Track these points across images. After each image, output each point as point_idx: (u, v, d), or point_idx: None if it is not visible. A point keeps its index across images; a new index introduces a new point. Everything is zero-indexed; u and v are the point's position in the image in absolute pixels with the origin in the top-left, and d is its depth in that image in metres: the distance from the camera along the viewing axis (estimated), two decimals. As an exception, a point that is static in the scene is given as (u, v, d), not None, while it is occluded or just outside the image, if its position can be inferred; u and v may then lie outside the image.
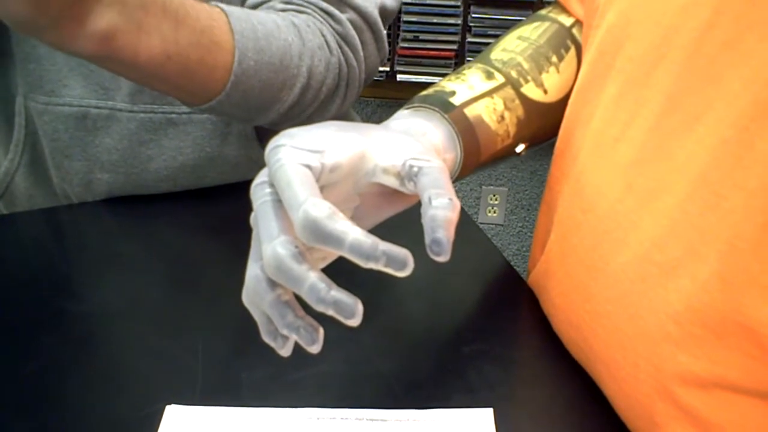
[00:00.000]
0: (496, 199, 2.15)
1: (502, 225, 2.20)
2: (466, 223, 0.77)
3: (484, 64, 0.62)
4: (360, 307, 0.39)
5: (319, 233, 0.38)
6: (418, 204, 0.43)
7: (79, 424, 0.51)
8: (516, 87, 0.60)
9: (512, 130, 0.59)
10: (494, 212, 2.17)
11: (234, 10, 0.64)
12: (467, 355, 0.57)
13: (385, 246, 0.38)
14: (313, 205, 0.38)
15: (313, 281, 0.39)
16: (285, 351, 0.43)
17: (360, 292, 0.65)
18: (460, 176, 0.58)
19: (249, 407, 0.51)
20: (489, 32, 1.87)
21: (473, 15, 1.88)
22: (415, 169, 0.44)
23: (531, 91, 0.61)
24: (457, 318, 0.63)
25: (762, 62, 0.43)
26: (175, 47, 0.58)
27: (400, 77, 1.89)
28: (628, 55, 0.52)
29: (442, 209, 0.41)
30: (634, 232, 0.49)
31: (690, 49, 0.47)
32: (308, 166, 0.41)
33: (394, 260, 0.38)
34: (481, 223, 2.15)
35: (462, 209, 0.79)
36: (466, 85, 0.59)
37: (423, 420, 0.51)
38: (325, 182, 0.42)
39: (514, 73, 0.61)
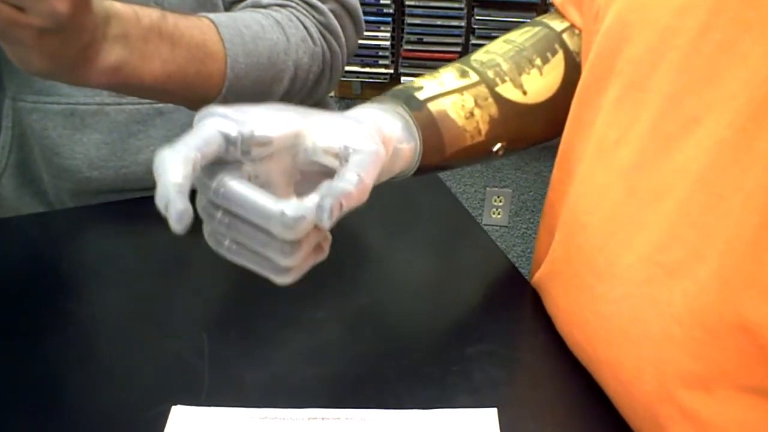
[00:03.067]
0: (500, 201, 2.15)
1: (506, 227, 2.19)
2: (470, 225, 0.78)
3: (462, 64, 0.63)
4: (301, 216, 0.41)
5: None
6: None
7: (85, 425, 0.51)
8: (491, 86, 0.61)
9: (484, 127, 0.60)
10: (498, 214, 2.17)
11: (221, 19, 0.68)
12: (471, 355, 0.57)
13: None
14: (172, 149, 0.41)
15: (256, 200, 0.42)
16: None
17: (364, 294, 0.66)
18: (425, 167, 0.58)
19: (254, 408, 0.51)
20: (493, 34, 1.87)
21: (477, 17, 1.88)
22: (351, 150, 0.45)
23: (508, 91, 0.61)
24: (462, 319, 0.64)
25: (759, 63, 0.43)
26: (174, 66, 0.63)
27: (404, 79, 1.89)
28: (626, 57, 0.52)
29: (343, 182, 0.42)
30: (638, 233, 0.49)
31: (687, 50, 0.47)
32: (226, 135, 0.43)
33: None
34: (485, 225, 2.15)
35: (466, 211, 0.80)
36: (436, 82, 0.60)
37: (427, 420, 0.51)
38: (257, 155, 0.44)
39: (490, 73, 0.61)
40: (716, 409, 0.45)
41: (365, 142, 0.46)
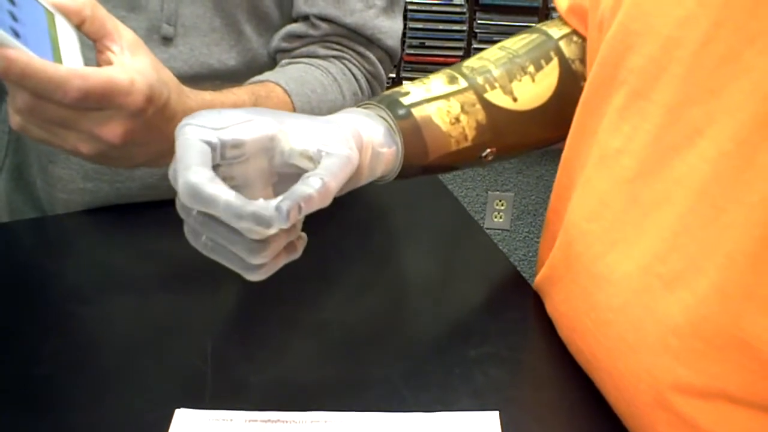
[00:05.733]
0: (502, 205, 2.15)
1: (508, 230, 2.19)
2: (472, 228, 0.78)
3: (452, 71, 0.63)
4: (276, 214, 0.41)
5: (196, 195, 0.41)
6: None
7: (89, 427, 0.51)
8: (479, 92, 0.61)
9: (470, 133, 0.60)
10: (500, 217, 2.17)
11: (292, 87, 0.72)
12: (474, 358, 0.58)
13: (253, 207, 0.41)
14: (194, 172, 0.42)
15: (227, 199, 0.41)
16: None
17: (367, 297, 0.66)
18: (409, 170, 0.59)
19: (257, 411, 0.52)
20: (494, 38, 1.88)
21: (479, 21, 1.88)
22: (323, 153, 0.46)
23: (497, 97, 0.61)
24: (464, 322, 0.64)
25: (762, 75, 0.43)
26: None
27: (405, 84, 1.90)
28: (629, 67, 0.52)
29: (305, 185, 0.43)
30: (638, 243, 0.49)
31: (690, 62, 0.47)
32: (207, 142, 0.44)
33: (260, 219, 0.41)
34: (487, 229, 2.15)
35: (468, 214, 0.80)
36: (423, 88, 0.61)
37: (430, 423, 0.51)
38: (232, 156, 0.45)
39: (480, 80, 0.62)
40: (714, 417, 0.45)
41: (338, 146, 0.47)
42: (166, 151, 0.59)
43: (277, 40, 0.80)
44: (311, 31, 0.78)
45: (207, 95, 0.62)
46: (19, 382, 0.54)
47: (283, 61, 0.80)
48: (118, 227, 0.76)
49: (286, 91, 0.72)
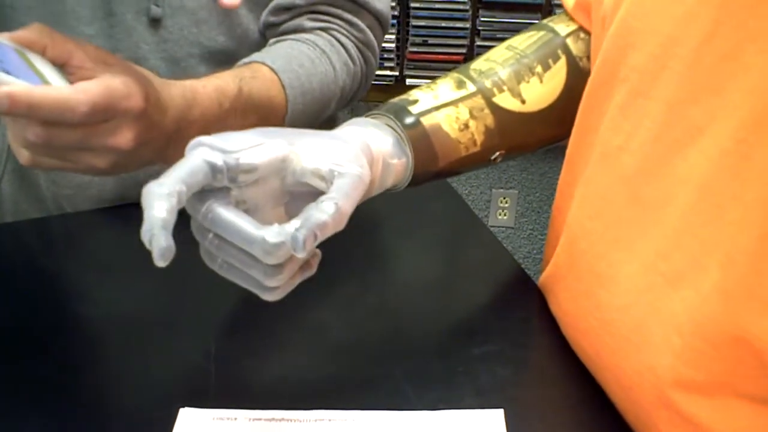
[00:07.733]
0: (506, 202, 2.15)
1: (512, 228, 2.19)
2: (476, 226, 0.78)
3: (459, 74, 0.63)
4: (294, 243, 0.42)
5: (144, 201, 0.43)
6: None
7: (94, 427, 0.51)
8: (487, 97, 0.61)
9: (479, 138, 0.60)
10: (504, 215, 2.17)
11: (278, 64, 0.72)
12: (478, 356, 0.58)
13: (159, 233, 0.42)
14: (158, 183, 0.42)
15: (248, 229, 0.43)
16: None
17: (371, 295, 0.66)
18: (420, 178, 0.59)
19: (261, 409, 0.52)
20: (498, 36, 1.87)
21: (482, 19, 1.88)
22: (336, 173, 0.46)
23: (505, 100, 0.61)
24: (468, 320, 0.64)
25: (762, 74, 0.42)
26: (243, 129, 0.68)
27: (409, 81, 1.89)
28: (630, 64, 0.52)
29: (319, 212, 0.43)
30: (640, 241, 0.49)
31: (690, 59, 0.47)
32: (212, 164, 0.44)
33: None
34: (491, 226, 2.15)
35: (472, 212, 0.80)
36: (431, 95, 0.60)
37: (434, 421, 0.51)
38: (244, 182, 0.45)
39: (488, 83, 0.61)
40: (717, 415, 0.45)
41: (350, 164, 0.47)
42: (164, 146, 0.59)
43: (265, 15, 0.79)
44: (297, 1, 0.77)
45: (187, 81, 0.62)
46: (24, 381, 0.54)
47: (271, 41, 0.79)
48: (122, 227, 0.76)
49: (272, 69, 0.71)
